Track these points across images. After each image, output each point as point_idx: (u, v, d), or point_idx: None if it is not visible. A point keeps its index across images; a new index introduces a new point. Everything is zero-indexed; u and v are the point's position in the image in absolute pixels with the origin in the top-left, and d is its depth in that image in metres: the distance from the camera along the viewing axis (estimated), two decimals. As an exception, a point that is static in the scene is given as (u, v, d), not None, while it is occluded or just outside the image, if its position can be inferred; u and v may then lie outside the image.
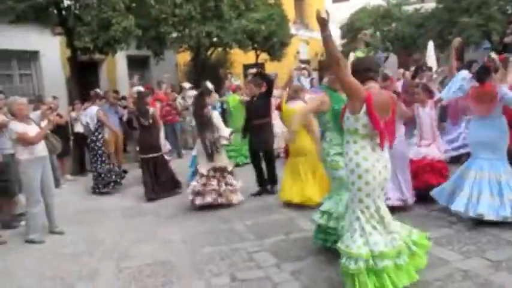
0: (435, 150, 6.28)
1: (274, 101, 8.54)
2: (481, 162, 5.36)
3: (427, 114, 6.35)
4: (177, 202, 7.58)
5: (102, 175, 8.70)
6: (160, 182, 7.98)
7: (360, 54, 4.82)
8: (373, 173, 3.54)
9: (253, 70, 10.04)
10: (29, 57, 13.94)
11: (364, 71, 3.70)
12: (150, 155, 7.98)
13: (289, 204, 6.63)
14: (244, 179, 7.44)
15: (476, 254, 4.44)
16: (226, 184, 6.93)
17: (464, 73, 7.17)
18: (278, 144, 9.69)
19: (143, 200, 7.93)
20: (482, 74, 5.51)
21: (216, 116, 7.14)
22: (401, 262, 3.54)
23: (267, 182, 7.52)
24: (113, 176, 8.79)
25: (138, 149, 8.40)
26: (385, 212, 3.66)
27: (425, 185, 5.98)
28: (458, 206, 5.24)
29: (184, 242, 5.55)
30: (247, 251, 5.05)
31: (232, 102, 10.40)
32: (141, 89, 8.50)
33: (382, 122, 3.52)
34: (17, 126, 5.90)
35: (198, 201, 6.88)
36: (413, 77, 7.16)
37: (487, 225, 5.09)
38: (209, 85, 8.15)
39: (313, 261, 4.59)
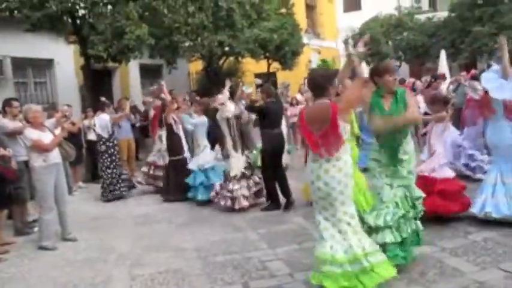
0: (430, 165, 5.80)
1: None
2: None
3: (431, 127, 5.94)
4: (190, 210, 7.59)
5: (108, 183, 8.79)
6: (175, 185, 8.10)
7: (330, 62, 4.77)
8: (312, 184, 3.89)
9: (259, 81, 10.04)
10: (44, 65, 14.11)
11: (323, 88, 3.86)
12: (171, 158, 8.39)
13: (301, 212, 6.60)
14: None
15: (492, 265, 4.36)
16: (227, 190, 7.19)
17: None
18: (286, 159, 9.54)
19: (156, 207, 7.95)
20: None
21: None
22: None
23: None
24: (120, 185, 8.86)
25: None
26: (325, 222, 3.85)
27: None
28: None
29: (196, 250, 5.54)
30: (260, 259, 5.03)
31: None
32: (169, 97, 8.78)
33: (317, 133, 3.76)
34: (32, 133, 5.95)
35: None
36: (427, 86, 7.16)
37: (503, 236, 5.04)
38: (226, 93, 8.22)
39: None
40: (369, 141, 6.67)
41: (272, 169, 7.16)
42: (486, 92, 5.92)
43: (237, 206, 7.07)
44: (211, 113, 8.10)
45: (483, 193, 5.53)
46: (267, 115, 7.14)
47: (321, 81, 3.89)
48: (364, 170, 5.20)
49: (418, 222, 4.45)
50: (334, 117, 3.69)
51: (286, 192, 7.13)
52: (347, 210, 3.81)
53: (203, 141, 8.16)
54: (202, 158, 7.97)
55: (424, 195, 4.45)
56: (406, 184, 4.29)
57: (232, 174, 7.24)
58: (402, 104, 4.28)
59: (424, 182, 5.44)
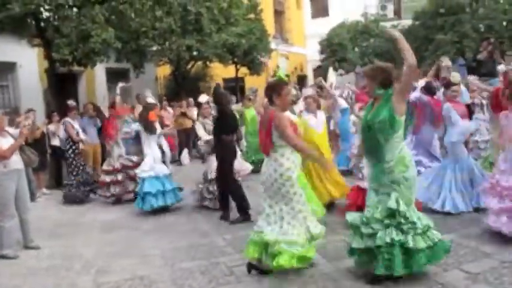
0: None
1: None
2: None
3: None
4: (156, 216, 7.49)
5: (70, 188, 8.75)
6: None
7: (281, 74, 5.16)
8: None
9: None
10: (6, 69, 13.73)
11: (270, 98, 4.59)
12: None
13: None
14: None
15: (454, 267, 4.49)
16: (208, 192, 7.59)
17: None
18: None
19: (122, 213, 7.86)
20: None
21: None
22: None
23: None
24: (81, 190, 8.82)
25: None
26: (269, 208, 4.57)
27: None
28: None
29: (163, 257, 5.50)
30: (227, 265, 5.03)
31: (248, 114, 10.76)
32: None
33: (264, 135, 4.51)
34: (-11, 139, 5.76)
35: None
36: None
37: (465, 238, 5.19)
38: (203, 98, 8.25)
39: (293, 275, 4.58)
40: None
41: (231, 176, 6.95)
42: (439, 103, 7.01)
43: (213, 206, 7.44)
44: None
45: (442, 190, 6.07)
46: (226, 120, 6.95)
47: (268, 93, 4.61)
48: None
49: (418, 238, 4.12)
50: (270, 124, 4.42)
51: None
52: (287, 203, 4.45)
53: (146, 149, 7.86)
54: (142, 166, 7.76)
55: (402, 208, 4.05)
56: (388, 192, 4.08)
57: (209, 176, 7.49)
58: (386, 108, 4.07)
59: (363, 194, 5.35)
